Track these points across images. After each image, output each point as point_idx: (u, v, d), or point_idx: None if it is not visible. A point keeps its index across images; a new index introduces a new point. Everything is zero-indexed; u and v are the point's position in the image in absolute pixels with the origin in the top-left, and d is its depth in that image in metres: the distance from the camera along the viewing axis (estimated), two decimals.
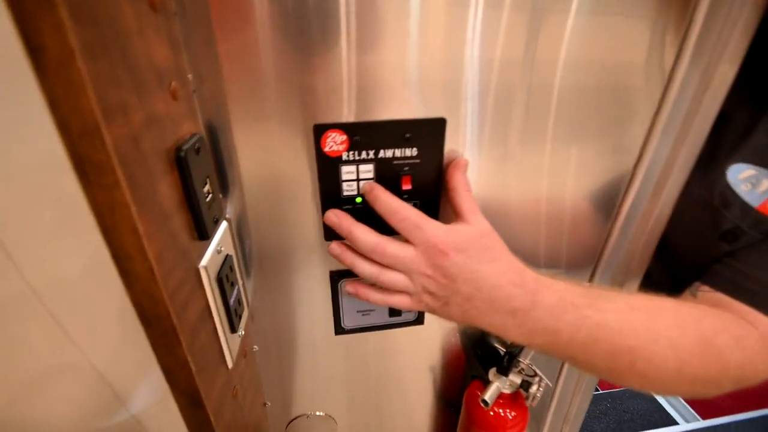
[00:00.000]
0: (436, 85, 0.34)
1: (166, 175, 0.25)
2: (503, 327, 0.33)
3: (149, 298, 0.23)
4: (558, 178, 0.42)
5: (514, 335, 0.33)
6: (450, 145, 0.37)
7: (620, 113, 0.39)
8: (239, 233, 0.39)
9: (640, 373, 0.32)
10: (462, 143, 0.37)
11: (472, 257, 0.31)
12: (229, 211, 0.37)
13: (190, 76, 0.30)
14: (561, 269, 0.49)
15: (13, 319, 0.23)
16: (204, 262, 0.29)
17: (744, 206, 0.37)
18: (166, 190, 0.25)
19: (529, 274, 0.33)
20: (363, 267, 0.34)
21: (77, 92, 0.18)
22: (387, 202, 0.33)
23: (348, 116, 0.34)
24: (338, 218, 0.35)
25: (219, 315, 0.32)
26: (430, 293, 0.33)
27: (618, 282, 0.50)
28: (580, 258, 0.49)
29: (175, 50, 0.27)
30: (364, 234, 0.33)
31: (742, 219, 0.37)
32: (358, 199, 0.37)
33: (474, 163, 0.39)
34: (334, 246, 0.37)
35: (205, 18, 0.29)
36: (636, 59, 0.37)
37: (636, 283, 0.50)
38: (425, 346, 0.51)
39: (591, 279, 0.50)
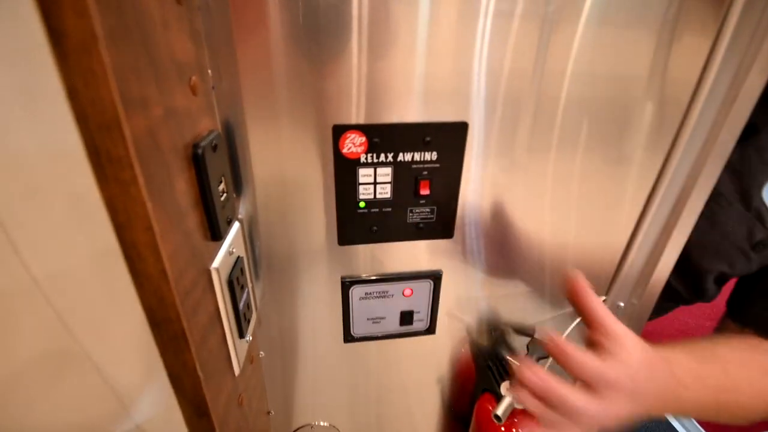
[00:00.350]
0: (445, 93, 0.33)
1: (183, 172, 0.24)
2: (647, 409, 0.33)
3: (159, 299, 0.22)
4: (568, 189, 0.41)
5: (653, 411, 0.34)
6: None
7: (636, 126, 0.38)
8: (250, 234, 0.38)
9: (735, 415, 0.38)
10: (470, 151, 0.36)
11: (646, 378, 0.32)
12: (241, 211, 0.36)
13: (209, 71, 0.29)
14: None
15: (12, 312, 0.22)
16: (216, 263, 0.28)
17: None
18: (183, 187, 0.24)
19: (666, 357, 0.35)
20: (553, 418, 0.31)
21: (98, 82, 0.17)
22: (583, 365, 0.30)
23: (361, 113, 0.33)
24: (541, 380, 0.30)
25: (228, 319, 0.31)
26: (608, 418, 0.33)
27: (637, 295, 0.48)
28: (594, 270, 0.47)
29: (197, 44, 0.26)
30: (576, 397, 0.30)
31: None
32: (362, 204, 0.36)
33: (480, 171, 0.38)
34: (527, 401, 0.31)
35: (225, 14, 0.29)
36: (652, 71, 0.36)
37: (655, 296, 0.49)
38: (434, 356, 0.50)
39: (608, 292, 0.49)
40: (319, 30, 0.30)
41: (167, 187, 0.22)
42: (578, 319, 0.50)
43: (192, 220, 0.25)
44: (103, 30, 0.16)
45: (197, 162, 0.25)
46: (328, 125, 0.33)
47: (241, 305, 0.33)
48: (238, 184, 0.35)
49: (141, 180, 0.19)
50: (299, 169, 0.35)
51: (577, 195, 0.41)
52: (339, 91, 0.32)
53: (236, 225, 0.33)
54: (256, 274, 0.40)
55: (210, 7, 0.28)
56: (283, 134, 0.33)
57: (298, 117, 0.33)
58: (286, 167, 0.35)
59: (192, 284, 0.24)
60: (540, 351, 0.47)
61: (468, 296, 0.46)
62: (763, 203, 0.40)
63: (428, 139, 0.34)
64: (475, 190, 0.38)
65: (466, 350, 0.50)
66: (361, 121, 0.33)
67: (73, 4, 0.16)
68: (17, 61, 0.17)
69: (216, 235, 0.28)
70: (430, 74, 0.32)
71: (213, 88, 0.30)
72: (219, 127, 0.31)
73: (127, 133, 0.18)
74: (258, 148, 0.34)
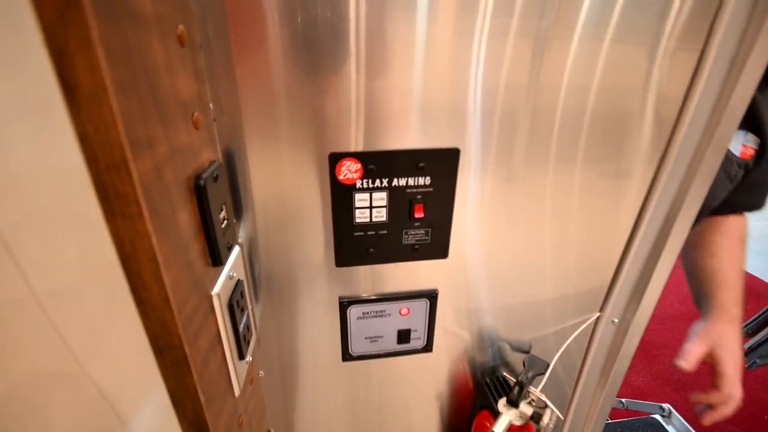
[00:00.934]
0: (442, 111, 0.35)
1: (186, 204, 0.25)
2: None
3: (163, 326, 0.23)
4: (563, 204, 0.42)
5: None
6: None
7: (628, 139, 0.39)
8: (250, 257, 0.39)
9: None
10: (466, 170, 0.37)
11: (735, 348, 0.59)
12: (241, 235, 0.37)
13: (211, 105, 0.31)
14: (570, 290, 0.48)
15: (11, 327, 0.23)
16: (217, 288, 0.29)
17: (733, 155, 0.58)
18: (185, 219, 0.25)
19: (724, 322, 0.60)
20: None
21: (108, 128, 0.18)
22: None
23: (356, 141, 0.35)
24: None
25: (229, 342, 0.31)
26: None
27: (631, 311, 0.49)
28: (588, 286, 0.48)
29: (199, 81, 0.28)
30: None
31: (738, 165, 0.59)
32: (358, 227, 0.38)
33: (479, 184, 0.39)
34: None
35: (226, 48, 0.30)
36: (644, 86, 0.37)
37: (649, 313, 0.49)
38: (432, 374, 0.50)
39: (602, 308, 0.50)
40: (317, 61, 0.31)
41: (171, 220, 0.23)
42: (574, 335, 0.51)
43: (194, 248, 0.26)
44: (112, 82, 0.18)
45: (199, 193, 0.26)
46: (325, 153, 0.34)
47: (241, 327, 0.33)
48: (238, 209, 0.36)
49: (146, 215, 0.20)
50: (298, 194, 0.36)
51: (572, 210, 0.42)
52: (335, 120, 0.34)
53: (236, 249, 0.34)
54: (256, 296, 0.41)
55: (211, 44, 0.30)
56: (282, 161, 0.35)
57: (297, 144, 0.34)
58: (285, 192, 0.36)
59: (194, 310, 0.25)
60: (536, 367, 0.47)
61: (466, 313, 0.46)
62: (728, 149, 0.57)
63: (422, 164, 0.36)
64: (470, 208, 0.40)
65: (464, 367, 0.51)
66: (357, 148, 0.35)
67: (86, 60, 0.17)
68: (30, 99, 0.18)
69: (217, 261, 0.29)
70: (427, 93, 0.33)
71: (214, 120, 0.31)
72: (220, 157, 0.32)
73: (134, 171, 0.20)
74: (258, 174, 0.35)
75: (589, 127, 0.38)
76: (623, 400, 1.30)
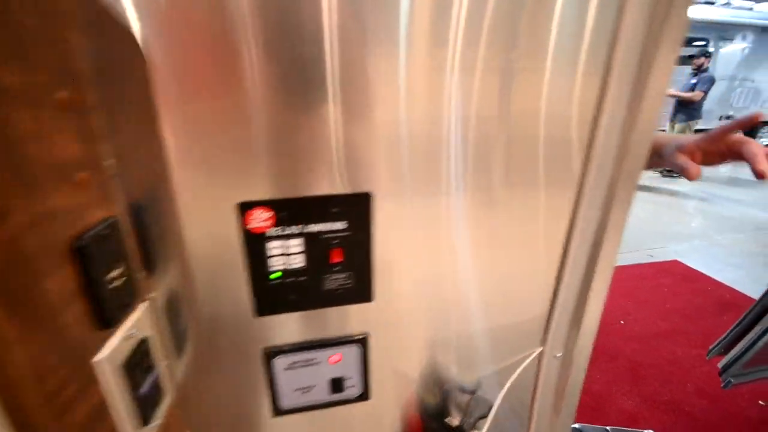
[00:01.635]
0: (352, 152, 0.35)
1: (59, 268, 0.24)
2: None
3: (18, 405, 0.22)
4: (489, 237, 0.42)
5: None
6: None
7: (561, 161, 0.41)
8: (170, 310, 0.37)
9: None
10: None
11: None
12: (157, 288, 0.36)
13: (110, 161, 0.31)
14: (509, 324, 0.47)
15: None
16: (104, 354, 0.28)
17: None
18: (56, 285, 0.24)
19: None
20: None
21: None
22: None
23: (267, 188, 0.35)
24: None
25: (123, 408, 0.29)
26: None
27: (572, 341, 0.48)
28: (525, 321, 0.48)
29: (88, 142, 0.28)
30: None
31: None
32: (275, 275, 0.37)
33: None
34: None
35: (145, 101, 0.31)
36: (560, 108, 0.39)
37: (590, 343, 0.49)
38: (374, 423, 0.48)
39: (543, 342, 0.49)
40: (232, 114, 0.32)
41: (31, 290, 0.22)
42: (517, 371, 0.49)
43: (71, 313, 0.25)
44: None
45: (81, 254, 0.26)
46: (237, 201, 0.34)
47: (144, 390, 0.32)
48: (151, 261, 0.35)
49: None
50: (215, 244, 0.36)
51: (501, 241, 0.43)
52: (246, 168, 0.34)
53: (143, 306, 0.33)
54: (179, 349, 0.39)
55: (124, 98, 0.30)
56: (198, 211, 0.35)
57: (211, 194, 0.34)
58: (202, 242, 0.36)
59: (62, 383, 0.24)
60: (480, 409, 0.46)
61: (403, 355, 0.45)
62: None
63: (335, 210, 0.36)
64: (395, 248, 0.40)
65: (407, 413, 0.49)
66: (267, 196, 0.35)
67: None
68: None
69: (107, 323, 0.28)
70: (339, 137, 0.34)
71: (114, 176, 0.31)
72: (117, 213, 0.32)
73: None
74: (174, 224, 0.35)
75: (514, 153, 0.39)
76: (608, 427, 1.26)
